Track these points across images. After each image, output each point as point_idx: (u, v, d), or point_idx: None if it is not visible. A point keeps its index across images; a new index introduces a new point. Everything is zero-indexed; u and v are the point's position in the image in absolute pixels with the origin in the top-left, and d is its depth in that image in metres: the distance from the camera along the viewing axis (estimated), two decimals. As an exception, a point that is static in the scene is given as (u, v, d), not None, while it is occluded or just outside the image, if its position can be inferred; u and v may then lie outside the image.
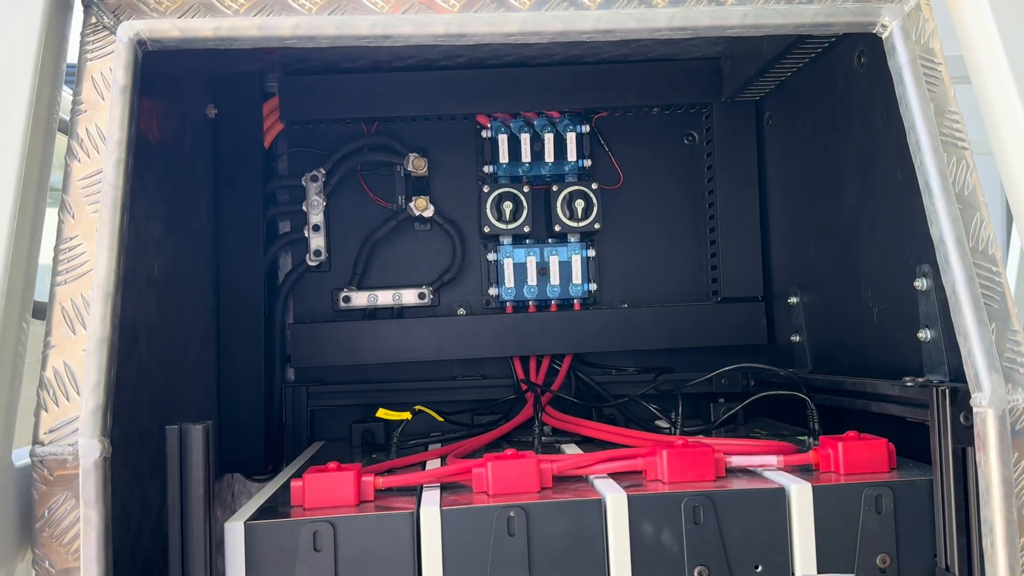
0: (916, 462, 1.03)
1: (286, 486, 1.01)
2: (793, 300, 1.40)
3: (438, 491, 0.99)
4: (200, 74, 1.42)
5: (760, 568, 0.93)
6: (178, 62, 1.20)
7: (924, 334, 1.02)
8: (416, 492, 1.00)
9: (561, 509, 0.92)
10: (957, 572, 0.90)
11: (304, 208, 1.51)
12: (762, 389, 1.45)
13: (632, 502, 0.93)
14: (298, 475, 0.97)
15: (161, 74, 1.17)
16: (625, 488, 0.95)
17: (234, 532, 0.88)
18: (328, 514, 0.91)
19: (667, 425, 1.34)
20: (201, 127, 1.41)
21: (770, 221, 1.51)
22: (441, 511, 0.91)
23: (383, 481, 0.99)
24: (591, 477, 1.03)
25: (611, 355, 1.57)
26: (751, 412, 1.45)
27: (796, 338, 1.39)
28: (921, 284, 1.02)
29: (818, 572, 0.93)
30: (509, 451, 1.00)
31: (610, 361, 1.57)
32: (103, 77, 0.87)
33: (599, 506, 0.93)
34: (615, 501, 0.93)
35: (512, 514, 0.91)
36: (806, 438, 1.24)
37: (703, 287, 1.58)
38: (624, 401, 1.36)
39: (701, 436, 1.27)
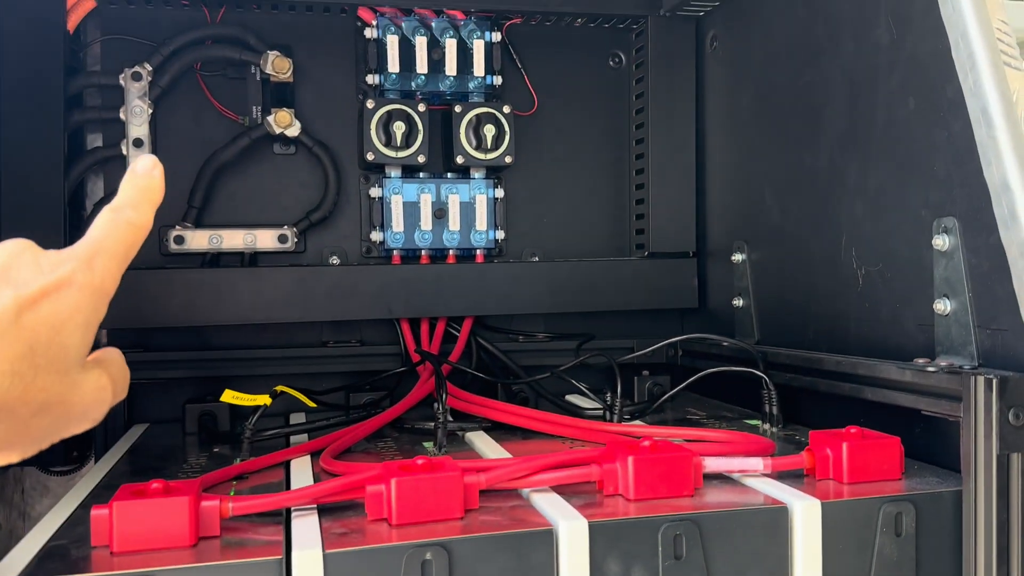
0: (923, 463, 0.83)
1: (86, 515, 0.68)
2: (738, 257, 1.18)
3: (315, 517, 0.69)
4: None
5: (752, 610, 0.71)
6: None
7: (943, 305, 0.82)
8: (283, 518, 0.70)
9: (498, 545, 0.65)
10: (995, 610, 0.71)
11: (122, 116, 1.12)
12: (693, 361, 1.24)
13: (595, 532, 0.67)
14: (108, 490, 0.64)
15: None
16: (580, 508, 0.69)
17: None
18: (149, 564, 0.59)
19: (589, 406, 1.10)
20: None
21: (708, 163, 1.28)
22: (324, 555, 0.62)
23: (234, 507, 0.67)
24: (529, 492, 0.76)
25: (516, 318, 1.30)
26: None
27: (739, 302, 1.18)
28: (942, 242, 0.81)
29: (823, 612, 0.72)
30: (420, 459, 0.71)
31: (515, 325, 1.30)
32: None
33: (550, 538, 0.66)
34: (572, 531, 0.67)
35: (429, 555, 0.63)
36: (757, 423, 1.03)
37: (626, 239, 1.34)
38: (545, 377, 1.10)
39: (640, 423, 1.04)
